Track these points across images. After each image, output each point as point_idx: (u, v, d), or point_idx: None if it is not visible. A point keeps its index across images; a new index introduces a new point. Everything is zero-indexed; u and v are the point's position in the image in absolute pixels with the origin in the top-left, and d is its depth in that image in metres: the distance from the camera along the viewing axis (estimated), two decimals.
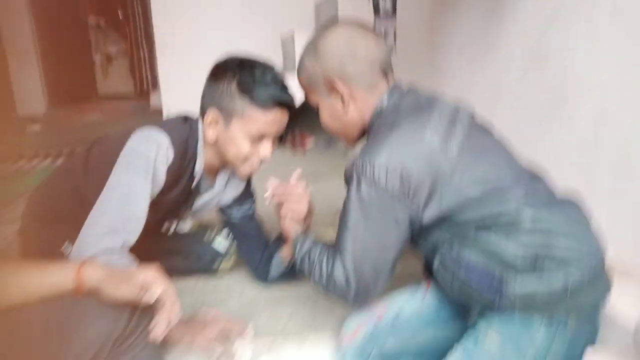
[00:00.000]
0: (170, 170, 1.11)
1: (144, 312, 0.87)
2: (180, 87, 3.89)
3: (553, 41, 1.40)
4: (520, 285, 0.83)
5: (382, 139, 0.91)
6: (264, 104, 1.10)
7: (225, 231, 1.45)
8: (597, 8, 1.22)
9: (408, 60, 2.72)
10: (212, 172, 1.27)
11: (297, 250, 1.07)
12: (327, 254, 0.99)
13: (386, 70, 1.03)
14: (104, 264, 0.84)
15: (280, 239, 1.34)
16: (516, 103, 1.62)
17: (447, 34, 2.14)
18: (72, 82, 5.78)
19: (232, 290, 1.40)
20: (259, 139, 1.13)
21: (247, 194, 1.36)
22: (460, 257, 0.88)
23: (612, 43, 1.18)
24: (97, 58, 6.62)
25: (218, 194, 1.31)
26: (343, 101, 1.01)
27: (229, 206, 1.36)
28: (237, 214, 1.37)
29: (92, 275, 0.80)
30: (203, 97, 1.16)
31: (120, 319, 0.84)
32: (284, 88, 1.14)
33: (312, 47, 1.04)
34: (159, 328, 0.77)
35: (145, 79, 5.52)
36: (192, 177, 1.20)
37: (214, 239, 1.45)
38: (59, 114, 5.30)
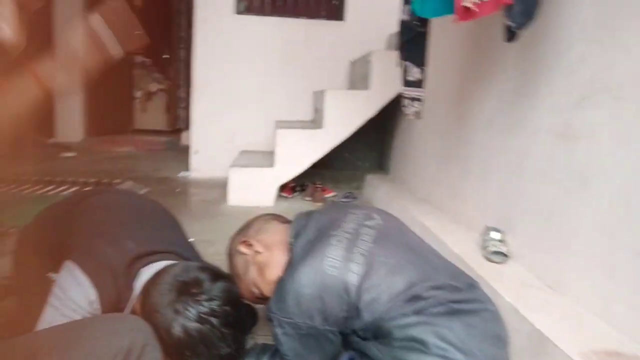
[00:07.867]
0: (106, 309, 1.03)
1: None
2: (208, 129, 4.07)
3: (581, 121, 1.40)
4: None
5: (286, 284, 1.02)
6: None
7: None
8: (623, 100, 1.23)
9: (435, 128, 2.75)
10: None
11: None
12: None
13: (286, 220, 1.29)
14: None
15: None
16: (541, 177, 1.61)
17: (476, 106, 2.17)
18: (110, 115, 6.01)
19: None
20: None
21: None
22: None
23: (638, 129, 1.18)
24: (138, 94, 6.92)
25: None
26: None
27: None
28: None
29: None
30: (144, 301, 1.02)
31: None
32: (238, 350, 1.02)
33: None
34: None
35: (178, 118, 5.72)
36: None
37: None
38: (93, 143, 5.49)
